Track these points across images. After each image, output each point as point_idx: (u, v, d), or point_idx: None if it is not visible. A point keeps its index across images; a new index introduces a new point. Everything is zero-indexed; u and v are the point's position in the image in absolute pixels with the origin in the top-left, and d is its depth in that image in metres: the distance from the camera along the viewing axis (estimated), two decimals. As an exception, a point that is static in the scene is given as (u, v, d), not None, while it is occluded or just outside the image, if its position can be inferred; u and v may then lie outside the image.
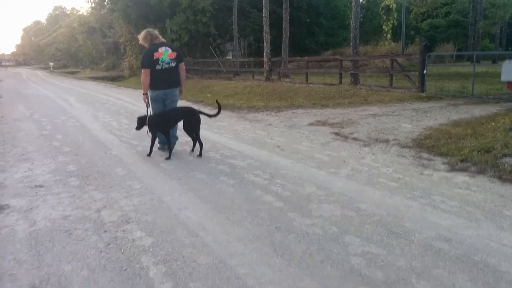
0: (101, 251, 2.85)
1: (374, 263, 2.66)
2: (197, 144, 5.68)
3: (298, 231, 3.16)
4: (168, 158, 5.44)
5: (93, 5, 32.93)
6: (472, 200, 3.66)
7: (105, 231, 3.17)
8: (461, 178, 4.27)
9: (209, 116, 5.76)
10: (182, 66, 5.86)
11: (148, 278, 2.48)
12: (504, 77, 7.84)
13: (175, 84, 5.79)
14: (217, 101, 6.08)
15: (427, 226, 3.17)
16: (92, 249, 2.88)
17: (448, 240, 2.93)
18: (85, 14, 51.28)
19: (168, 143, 5.59)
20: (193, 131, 5.63)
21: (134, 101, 13.33)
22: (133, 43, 29.05)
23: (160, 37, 5.85)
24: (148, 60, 5.51)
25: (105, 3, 30.71)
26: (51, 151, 5.98)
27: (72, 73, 45.84)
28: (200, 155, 5.54)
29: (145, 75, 5.51)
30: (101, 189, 4.18)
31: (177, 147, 6.04)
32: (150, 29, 5.85)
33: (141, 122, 5.55)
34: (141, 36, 5.75)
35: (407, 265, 2.61)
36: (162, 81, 5.59)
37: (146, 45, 5.71)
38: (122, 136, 7.07)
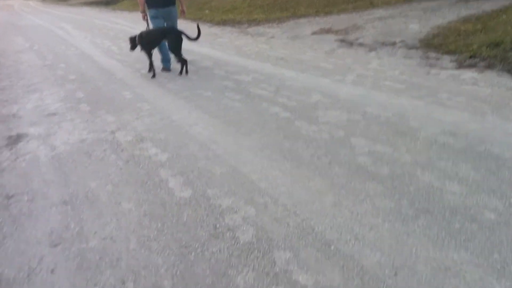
0: (121, 168, 3.01)
1: (380, 160, 2.78)
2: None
3: (305, 137, 3.26)
4: (153, 76, 5.68)
5: None
6: (479, 95, 3.69)
7: (122, 150, 3.32)
8: (469, 74, 4.25)
9: (189, 39, 5.60)
10: None
11: (168, 188, 2.65)
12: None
13: (171, 2, 5.65)
14: (197, 26, 5.89)
15: (432, 123, 3.24)
16: (113, 167, 3.04)
17: (453, 134, 3.01)
18: None
19: (165, 61, 5.85)
20: (174, 50, 5.57)
21: (131, 24, 12.93)
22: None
23: None
24: None
25: None
26: (57, 80, 6.00)
27: (65, 0, 43.86)
28: (186, 72, 5.69)
29: None
30: (112, 113, 4.27)
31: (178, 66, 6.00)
32: None
33: (132, 42, 5.60)
34: None
35: (412, 160, 2.73)
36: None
37: None
38: (124, 61, 7.00)
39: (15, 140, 3.67)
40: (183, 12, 5.98)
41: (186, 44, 7.22)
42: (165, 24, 5.81)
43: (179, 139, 3.46)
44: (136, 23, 13.09)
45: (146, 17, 5.73)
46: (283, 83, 4.75)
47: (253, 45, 7.32)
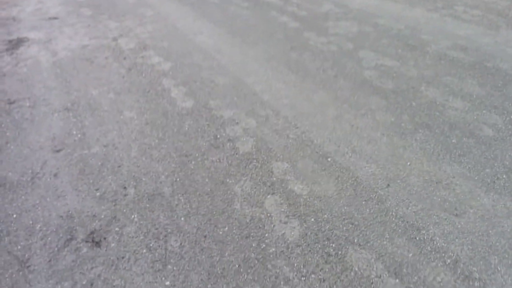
0: (123, 76, 2.99)
1: (386, 74, 2.72)
2: None
3: (313, 49, 3.16)
4: None
5: None
6: (496, 8, 3.47)
7: (124, 58, 3.27)
8: (491, -15, 3.96)
9: None
10: None
11: (171, 98, 2.65)
12: None
13: None
14: None
15: (444, 36, 3.10)
16: (115, 75, 3.02)
17: (464, 49, 2.90)
18: None
19: None
20: None
21: None
22: None
23: None
24: None
25: None
26: (56, -18, 5.72)
27: None
28: None
29: None
30: (115, 18, 4.13)
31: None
32: None
33: None
34: None
35: (419, 75, 2.67)
36: None
37: None
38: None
39: (15, 44, 3.61)
40: None
41: None
42: None
43: (183, 48, 3.38)
44: None
45: None
46: (293, -9, 4.49)
47: None
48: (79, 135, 2.31)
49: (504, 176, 1.82)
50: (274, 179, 1.91)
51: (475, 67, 2.68)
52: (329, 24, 3.56)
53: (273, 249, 1.51)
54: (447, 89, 2.49)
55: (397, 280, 1.37)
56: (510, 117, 2.20)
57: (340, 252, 1.48)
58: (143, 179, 1.96)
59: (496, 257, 1.44)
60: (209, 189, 1.87)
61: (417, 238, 1.52)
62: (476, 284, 1.35)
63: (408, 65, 2.79)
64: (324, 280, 1.39)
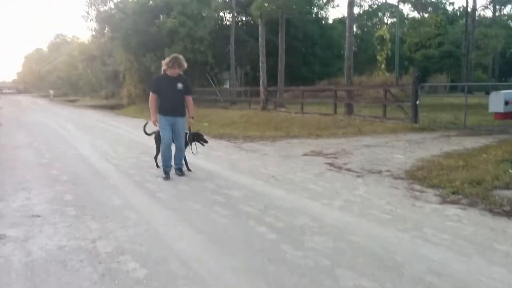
0: (95, 282, 2.88)
1: (365, 296, 2.70)
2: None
3: (290, 263, 3.20)
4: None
5: (94, 33, 33.55)
6: (463, 234, 3.73)
7: (100, 262, 3.21)
8: (452, 210, 4.35)
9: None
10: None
11: (142, 311, 2.51)
12: (492, 109, 8.03)
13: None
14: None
15: (418, 259, 3.22)
16: (87, 281, 2.91)
17: (439, 274, 2.97)
18: (85, 42, 52.06)
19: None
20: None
21: (132, 130, 13.46)
22: (132, 72, 29.49)
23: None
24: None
25: (105, 31, 31.32)
26: (48, 180, 6.04)
27: (72, 101, 46.23)
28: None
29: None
30: (98, 219, 4.23)
31: (173, 177, 6.12)
32: (176, 55, 6.18)
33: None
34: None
35: (397, 299, 2.66)
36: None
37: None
38: (120, 165, 7.14)
39: (-9, 242, 3.55)
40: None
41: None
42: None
43: (161, 254, 3.38)
44: (136, 129, 13.65)
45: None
46: (272, 202, 4.81)
47: (247, 161, 7.56)
48: None
49: None
50: None
51: (451, 294, 2.71)
52: (305, 238, 3.70)
53: None
54: (427, 317, 2.44)
55: None
56: None
57: None
58: None
59: None
60: None
61: None
62: None
63: None
64: None
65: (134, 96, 30.60)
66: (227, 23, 33.01)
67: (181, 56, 6.07)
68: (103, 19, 29.32)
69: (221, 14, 33.54)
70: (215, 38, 27.99)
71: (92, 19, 31.08)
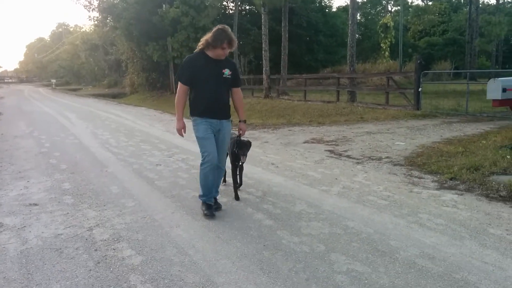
0: (90, 270, 2.90)
1: (358, 281, 2.70)
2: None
3: (286, 249, 3.21)
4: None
5: (96, 22, 33.37)
6: (458, 218, 3.72)
7: (95, 250, 3.23)
8: (449, 196, 4.33)
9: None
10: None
11: (135, 297, 2.53)
12: (489, 96, 7.98)
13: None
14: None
15: (412, 243, 3.22)
16: (82, 268, 2.93)
17: (432, 258, 2.97)
18: (88, 31, 51.87)
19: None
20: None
21: (134, 118, 13.47)
22: (135, 60, 29.40)
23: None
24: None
25: (108, 21, 31.13)
26: (48, 168, 6.06)
27: (74, 90, 46.25)
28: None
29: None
30: (95, 207, 4.25)
31: (173, 165, 6.13)
32: (222, 26, 3.96)
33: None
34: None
35: (390, 283, 2.66)
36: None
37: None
38: (119, 154, 7.15)
39: (-12, 230, 3.58)
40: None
41: (179, 142, 7.48)
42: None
43: (157, 241, 3.40)
44: (138, 118, 13.66)
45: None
46: (271, 189, 4.81)
47: (246, 149, 7.54)
48: None
49: None
50: None
51: (444, 278, 2.70)
52: (302, 224, 3.70)
53: None
54: (419, 301, 2.45)
55: None
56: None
57: None
58: None
59: None
60: None
61: None
62: None
63: (379, 272, 2.81)
64: None
65: (136, 85, 30.62)
66: (230, 12, 32.75)
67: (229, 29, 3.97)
68: (106, 8, 29.09)
69: (224, 3, 33.29)
70: (218, 27, 27.80)
71: (94, 9, 30.85)
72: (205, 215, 3.96)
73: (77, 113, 15.93)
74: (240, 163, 4.54)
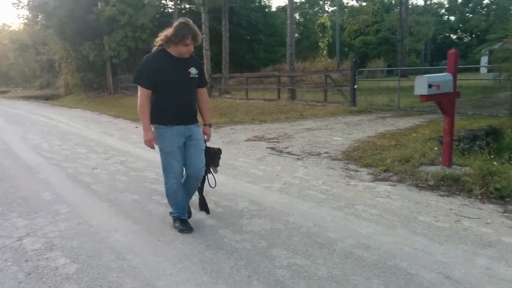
0: (20, 282, 2.72)
1: (298, 274, 2.77)
2: None
3: (228, 247, 3.21)
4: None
5: (26, 21, 31.30)
6: (391, 208, 3.93)
7: (26, 261, 3.03)
8: (383, 187, 4.57)
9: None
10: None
11: (69, 307, 2.41)
12: (417, 91, 8.58)
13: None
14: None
15: (349, 234, 3.36)
16: (11, 280, 2.75)
17: (367, 247, 3.12)
18: (17, 30, 48.50)
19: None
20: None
21: (68, 121, 12.79)
22: (69, 60, 27.99)
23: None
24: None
25: (39, 19, 29.31)
26: (-29, 177, 5.59)
27: (3, 92, 43.17)
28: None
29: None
30: (25, 216, 3.99)
31: (111, 167, 5.91)
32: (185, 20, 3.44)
33: None
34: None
35: (328, 274, 2.75)
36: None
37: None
38: (52, 158, 6.76)
39: None
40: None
41: (118, 144, 7.23)
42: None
43: (94, 247, 3.26)
44: (73, 120, 12.99)
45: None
46: (213, 189, 4.77)
47: (188, 149, 7.45)
48: None
49: None
50: None
51: (378, 266, 2.85)
52: (244, 222, 3.73)
53: None
54: (355, 289, 2.56)
55: None
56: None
57: None
58: None
59: None
60: None
61: None
62: None
63: (318, 264, 2.90)
64: None
65: (71, 86, 29.19)
66: (170, 10, 32.13)
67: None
68: (36, 6, 27.36)
69: (163, 1, 32.59)
70: (158, 26, 27.16)
71: (23, 6, 28.92)
72: (181, 231, 3.55)
73: (5, 116, 14.85)
74: (209, 174, 3.98)
